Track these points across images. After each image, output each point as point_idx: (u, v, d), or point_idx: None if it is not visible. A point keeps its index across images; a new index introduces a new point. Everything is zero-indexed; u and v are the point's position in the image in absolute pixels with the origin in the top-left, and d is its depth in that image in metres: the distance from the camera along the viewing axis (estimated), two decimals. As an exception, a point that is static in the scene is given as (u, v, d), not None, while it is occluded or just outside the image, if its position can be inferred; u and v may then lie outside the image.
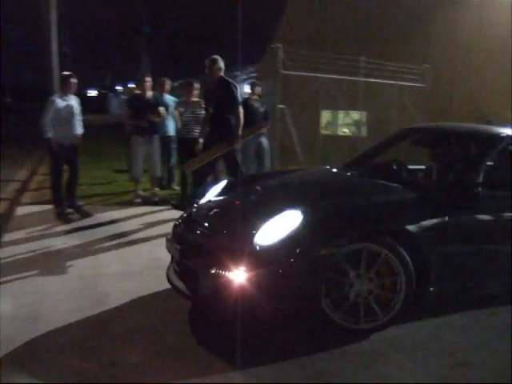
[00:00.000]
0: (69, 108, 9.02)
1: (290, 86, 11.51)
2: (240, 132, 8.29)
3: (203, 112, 9.30)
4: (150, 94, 9.86)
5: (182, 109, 9.75)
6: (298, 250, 4.16)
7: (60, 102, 8.96)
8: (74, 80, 9.09)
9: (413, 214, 4.60)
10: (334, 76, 11.86)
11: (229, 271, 4.13)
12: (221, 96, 8.28)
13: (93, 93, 78.55)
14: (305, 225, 4.25)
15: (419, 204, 4.74)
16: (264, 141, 10.62)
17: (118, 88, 59.41)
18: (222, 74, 8.37)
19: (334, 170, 6.09)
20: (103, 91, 69.80)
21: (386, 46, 15.79)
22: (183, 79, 18.13)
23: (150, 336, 4.34)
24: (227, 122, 8.35)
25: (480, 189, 4.77)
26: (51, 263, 6.39)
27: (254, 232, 4.26)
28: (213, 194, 5.81)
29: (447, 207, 4.70)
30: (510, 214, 4.85)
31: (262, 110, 10.37)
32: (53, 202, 9.15)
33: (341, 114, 15.65)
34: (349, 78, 12.36)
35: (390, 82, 12.99)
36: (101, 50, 69.86)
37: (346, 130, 15.95)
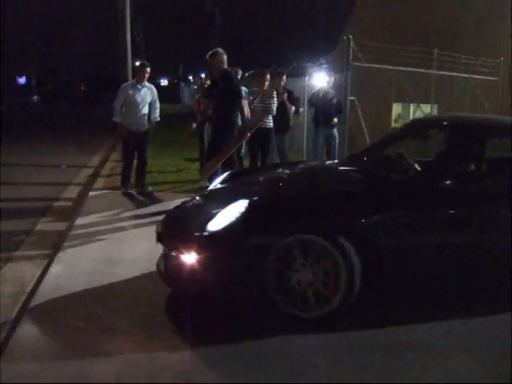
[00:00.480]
0: (139, 96, 9.24)
1: (361, 77, 11.42)
2: (249, 125, 8.30)
3: (274, 102, 9.43)
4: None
5: (251, 97, 9.81)
6: (236, 237, 4.52)
7: (130, 90, 9.19)
8: (146, 69, 9.28)
9: (362, 206, 4.66)
10: (405, 68, 11.69)
11: (183, 254, 4.59)
12: (225, 90, 8.21)
13: (165, 82, 79.66)
14: (247, 214, 4.57)
15: (374, 196, 4.81)
16: (334, 132, 10.73)
17: (190, 77, 60.14)
18: (225, 66, 8.26)
19: (328, 162, 6.35)
20: (175, 81, 70.67)
21: (459, 38, 15.46)
22: (253, 69, 18.23)
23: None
24: (232, 117, 8.31)
25: (448, 182, 4.87)
26: (118, 246, 6.60)
27: (208, 219, 4.67)
28: (214, 185, 6.33)
29: (401, 200, 4.75)
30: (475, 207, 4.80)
31: (334, 101, 10.45)
32: (120, 184, 9.46)
33: (412, 107, 15.44)
34: (421, 70, 12.16)
35: (462, 75, 12.71)
36: (173, 40, 70.69)
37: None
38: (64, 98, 62.60)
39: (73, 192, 10.34)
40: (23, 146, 17.56)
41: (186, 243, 4.60)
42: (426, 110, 13.73)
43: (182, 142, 15.86)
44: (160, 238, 5.07)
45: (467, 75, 12.85)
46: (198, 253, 4.48)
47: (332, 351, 4.10)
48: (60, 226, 7.79)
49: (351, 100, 10.55)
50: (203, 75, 53.80)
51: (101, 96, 59.21)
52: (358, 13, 20.07)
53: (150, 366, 3.86)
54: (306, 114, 12.30)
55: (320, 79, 11.21)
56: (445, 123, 6.41)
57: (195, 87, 39.92)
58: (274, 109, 9.68)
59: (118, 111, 9.20)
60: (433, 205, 4.71)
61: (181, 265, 4.60)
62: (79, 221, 7.75)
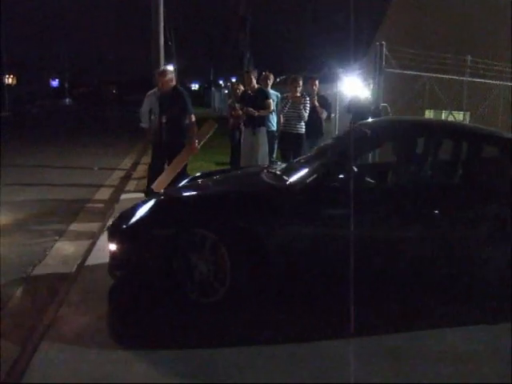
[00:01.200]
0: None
1: (394, 83, 11.37)
2: (197, 138, 8.63)
3: (306, 108, 9.51)
4: (255, 87, 10.17)
5: (283, 103, 9.90)
6: (142, 230, 5.19)
7: (154, 96, 9.20)
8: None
9: (250, 208, 5.14)
10: (438, 75, 11.62)
11: (110, 244, 5.29)
12: (175, 105, 8.70)
13: (195, 86, 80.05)
14: (150, 210, 5.26)
15: (261, 199, 5.28)
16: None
17: (220, 82, 60.33)
18: (173, 83, 8.88)
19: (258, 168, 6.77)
20: (206, 85, 70.95)
21: (493, 45, 15.30)
22: (285, 75, 18.28)
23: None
24: (182, 130, 8.80)
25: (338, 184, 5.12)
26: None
27: (131, 214, 5.32)
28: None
29: (279, 204, 5.15)
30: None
31: (372, 108, 10.29)
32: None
33: (444, 114, 15.31)
34: (454, 77, 12.08)
35: (495, 82, 12.60)
36: (204, 45, 70.98)
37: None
38: (96, 100, 63.24)
39: (105, 194, 10.46)
40: (55, 148, 17.79)
41: (112, 235, 5.34)
42: (459, 117, 13.62)
43: (214, 146, 15.90)
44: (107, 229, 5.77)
45: (500, 82, 12.74)
46: (117, 243, 5.19)
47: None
48: (92, 226, 7.90)
49: (383, 106, 10.51)
50: (234, 80, 53.98)
51: (132, 99, 59.66)
52: (391, 19, 20.02)
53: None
54: (337, 119, 12.27)
55: (353, 85, 11.04)
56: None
57: (226, 92, 39.99)
58: (306, 115, 9.74)
59: (144, 117, 9.23)
60: (305, 208, 5.10)
61: (110, 253, 5.29)
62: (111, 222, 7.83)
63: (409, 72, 11.28)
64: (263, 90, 10.50)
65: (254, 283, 5.01)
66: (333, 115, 13.03)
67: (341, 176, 5.18)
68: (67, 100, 63.36)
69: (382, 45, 10.67)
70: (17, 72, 65.83)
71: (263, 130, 10.06)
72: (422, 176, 5.90)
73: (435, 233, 5.15)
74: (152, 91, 9.21)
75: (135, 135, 18.84)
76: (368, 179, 5.49)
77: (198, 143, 8.71)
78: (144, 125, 9.25)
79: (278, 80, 16.88)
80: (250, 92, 10.41)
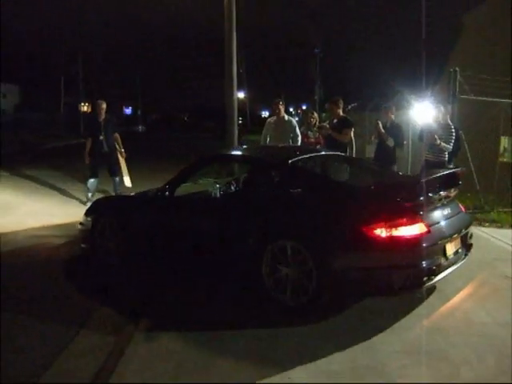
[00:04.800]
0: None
1: (467, 110, 11.16)
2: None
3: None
4: (340, 115, 10.67)
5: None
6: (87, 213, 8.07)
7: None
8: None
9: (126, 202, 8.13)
10: (513, 101, 11.35)
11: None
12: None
13: (265, 114, 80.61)
14: (88, 209, 8.24)
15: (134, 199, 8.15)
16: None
17: (291, 109, 60.64)
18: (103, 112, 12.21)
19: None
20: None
21: None
22: (354, 102, 18.23)
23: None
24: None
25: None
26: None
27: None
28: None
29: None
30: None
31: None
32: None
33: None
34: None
35: None
36: (274, 72, 71.62)
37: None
38: (168, 127, 64.12)
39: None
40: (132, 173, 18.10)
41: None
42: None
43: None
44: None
45: None
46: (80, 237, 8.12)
47: None
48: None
49: (460, 133, 10.30)
50: (304, 107, 54.08)
51: (204, 126, 60.37)
52: (462, 45, 19.73)
53: None
54: (410, 146, 12.09)
55: (425, 112, 10.68)
56: None
57: (296, 119, 40.08)
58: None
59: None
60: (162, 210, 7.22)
61: None
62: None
63: (483, 98, 11.06)
64: (346, 118, 10.74)
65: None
66: (405, 142, 12.84)
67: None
68: (140, 127, 64.54)
69: (455, 71, 10.53)
70: (92, 100, 67.73)
71: None
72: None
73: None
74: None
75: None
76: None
77: None
78: None
79: (349, 107, 16.85)
80: (334, 120, 10.72)
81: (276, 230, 6.05)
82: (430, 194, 5.81)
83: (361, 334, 5.19)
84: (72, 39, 62.26)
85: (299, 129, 11.59)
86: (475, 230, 9.75)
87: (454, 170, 6.97)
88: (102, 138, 11.90)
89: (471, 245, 6.56)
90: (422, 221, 5.53)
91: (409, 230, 5.42)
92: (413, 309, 5.85)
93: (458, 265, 6.06)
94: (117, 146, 12.33)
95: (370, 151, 13.49)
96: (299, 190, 6.38)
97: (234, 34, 14.56)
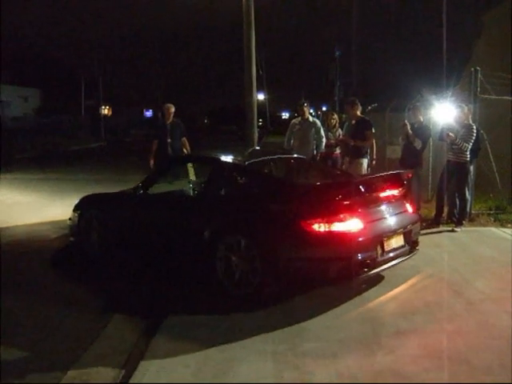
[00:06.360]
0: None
1: (489, 110, 11.02)
2: None
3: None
4: (357, 116, 10.39)
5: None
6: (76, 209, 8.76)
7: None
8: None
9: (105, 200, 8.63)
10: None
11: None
12: None
13: (286, 115, 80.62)
14: (76, 205, 8.82)
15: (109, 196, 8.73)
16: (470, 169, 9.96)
17: (311, 111, 60.42)
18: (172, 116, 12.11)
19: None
20: (295, 114, 71.19)
21: None
22: (375, 103, 18.09)
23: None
24: None
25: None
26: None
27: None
28: None
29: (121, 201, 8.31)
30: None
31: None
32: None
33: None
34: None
35: None
36: (293, 74, 71.58)
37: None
38: (188, 130, 64.15)
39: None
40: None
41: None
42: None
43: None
44: None
45: None
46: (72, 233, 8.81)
47: None
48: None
49: (480, 133, 10.15)
50: (324, 108, 53.80)
51: (224, 129, 60.37)
52: (481, 45, 19.52)
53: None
54: (431, 147, 11.92)
55: (446, 112, 10.49)
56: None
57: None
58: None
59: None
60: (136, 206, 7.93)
61: None
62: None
63: (506, 98, 10.92)
64: (364, 119, 10.46)
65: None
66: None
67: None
68: (159, 129, 64.63)
69: (476, 70, 10.40)
70: (112, 103, 68.15)
71: (362, 161, 10.06)
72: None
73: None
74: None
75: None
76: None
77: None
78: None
79: (369, 108, 16.73)
80: (353, 121, 10.43)
81: (227, 226, 6.57)
82: (369, 193, 6.33)
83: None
84: (93, 43, 62.77)
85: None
86: (497, 231, 9.66)
87: (398, 172, 7.34)
88: (169, 140, 11.72)
89: (416, 241, 6.94)
90: (356, 217, 5.90)
91: (344, 226, 5.81)
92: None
93: (400, 260, 6.51)
94: (184, 151, 12.01)
95: (391, 152, 13.42)
96: (252, 189, 7.08)
97: (253, 35, 14.50)
